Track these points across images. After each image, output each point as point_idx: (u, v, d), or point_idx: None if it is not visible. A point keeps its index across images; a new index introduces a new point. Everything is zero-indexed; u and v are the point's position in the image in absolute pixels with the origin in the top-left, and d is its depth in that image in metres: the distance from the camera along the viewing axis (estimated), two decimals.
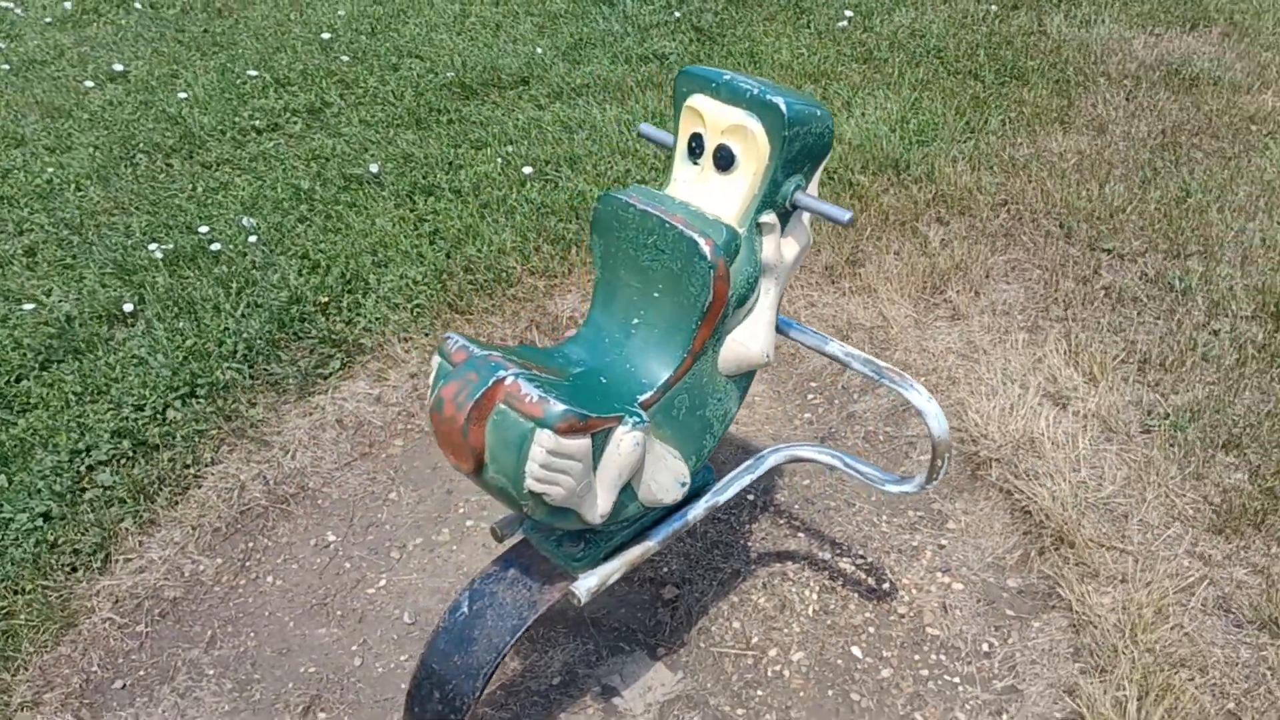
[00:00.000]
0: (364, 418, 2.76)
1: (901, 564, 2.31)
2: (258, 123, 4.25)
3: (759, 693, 2.07)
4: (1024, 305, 3.02)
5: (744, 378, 1.76)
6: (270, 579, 2.33)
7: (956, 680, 2.06)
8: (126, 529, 2.39)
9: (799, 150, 1.57)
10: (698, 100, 1.62)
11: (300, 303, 3.07)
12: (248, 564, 2.36)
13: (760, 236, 1.62)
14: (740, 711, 2.03)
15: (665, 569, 2.31)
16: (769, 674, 2.10)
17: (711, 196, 1.62)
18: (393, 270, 3.21)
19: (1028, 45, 4.72)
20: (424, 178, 3.74)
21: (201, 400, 2.73)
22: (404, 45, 4.98)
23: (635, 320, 1.66)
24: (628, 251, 1.64)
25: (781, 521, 2.42)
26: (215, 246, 3.34)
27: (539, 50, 4.85)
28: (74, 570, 2.30)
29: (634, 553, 1.73)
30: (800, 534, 2.39)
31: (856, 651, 2.13)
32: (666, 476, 1.63)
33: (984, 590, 2.24)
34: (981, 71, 4.45)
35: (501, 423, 1.43)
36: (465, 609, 1.70)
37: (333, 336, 2.97)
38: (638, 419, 1.50)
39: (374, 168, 3.79)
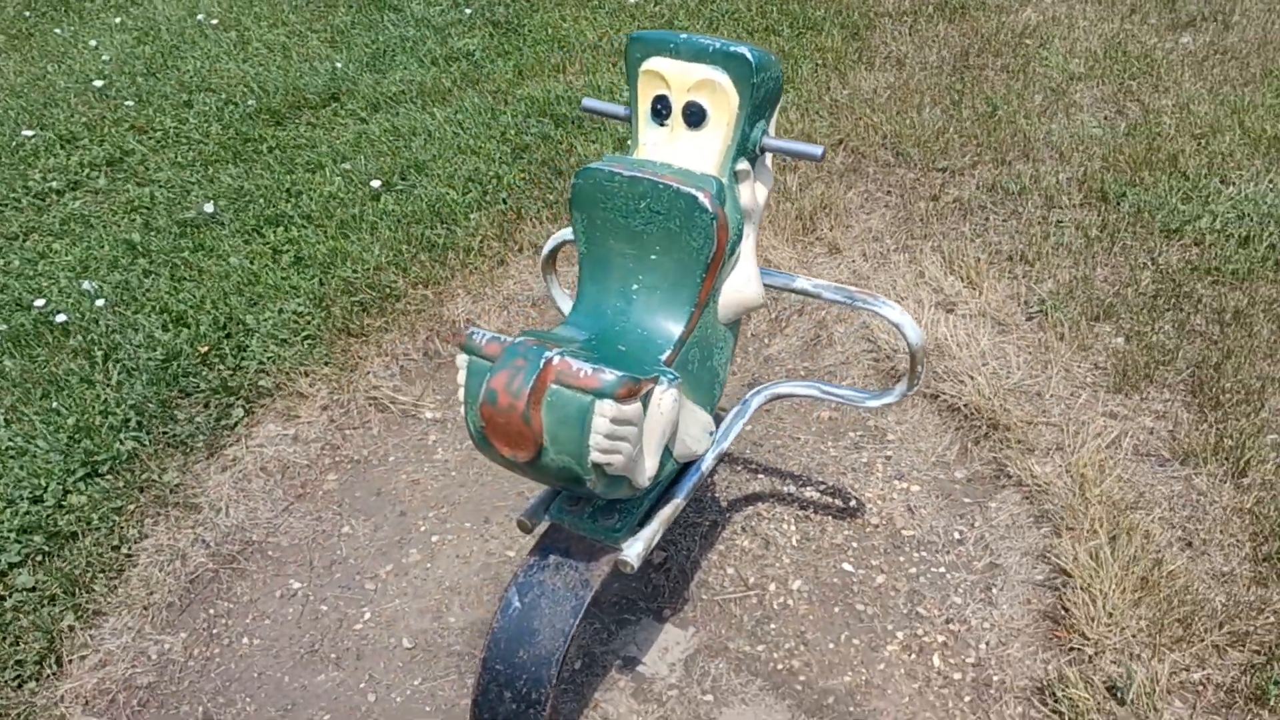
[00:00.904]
0: (287, 460, 2.63)
1: (859, 481, 2.45)
2: (55, 184, 3.90)
3: (771, 626, 2.15)
4: (891, 230, 3.25)
5: (735, 324, 1.82)
6: (246, 640, 2.20)
7: (942, 569, 2.23)
8: (70, 626, 2.18)
9: (763, 96, 1.65)
10: (657, 63, 1.66)
11: (179, 357, 2.87)
12: (216, 631, 2.22)
13: (737, 184, 1.69)
14: (760, 648, 2.11)
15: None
16: (775, 607, 2.19)
17: (688, 153, 1.67)
18: (269, 307, 3.06)
19: None
20: (266, 208, 3.57)
21: (106, 477, 2.52)
22: (190, 80, 4.69)
23: (634, 286, 1.69)
24: (616, 220, 1.66)
25: (739, 468, 2.51)
26: (61, 318, 3.06)
27: (338, 65, 4.70)
28: (23, 682, 2.09)
29: (666, 511, 1.77)
30: (760, 475, 2.49)
31: (847, 567, 2.25)
32: (696, 428, 1.67)
33: (938, 486, 2.42)
34: (777, 26, 4.69)
35: (557, 402, 1.43)
36: (517, 603, 1.68)
37: (226, 385, 2.80)
38: (671, 376, 1.54)
39: (208, 207, 3.57)
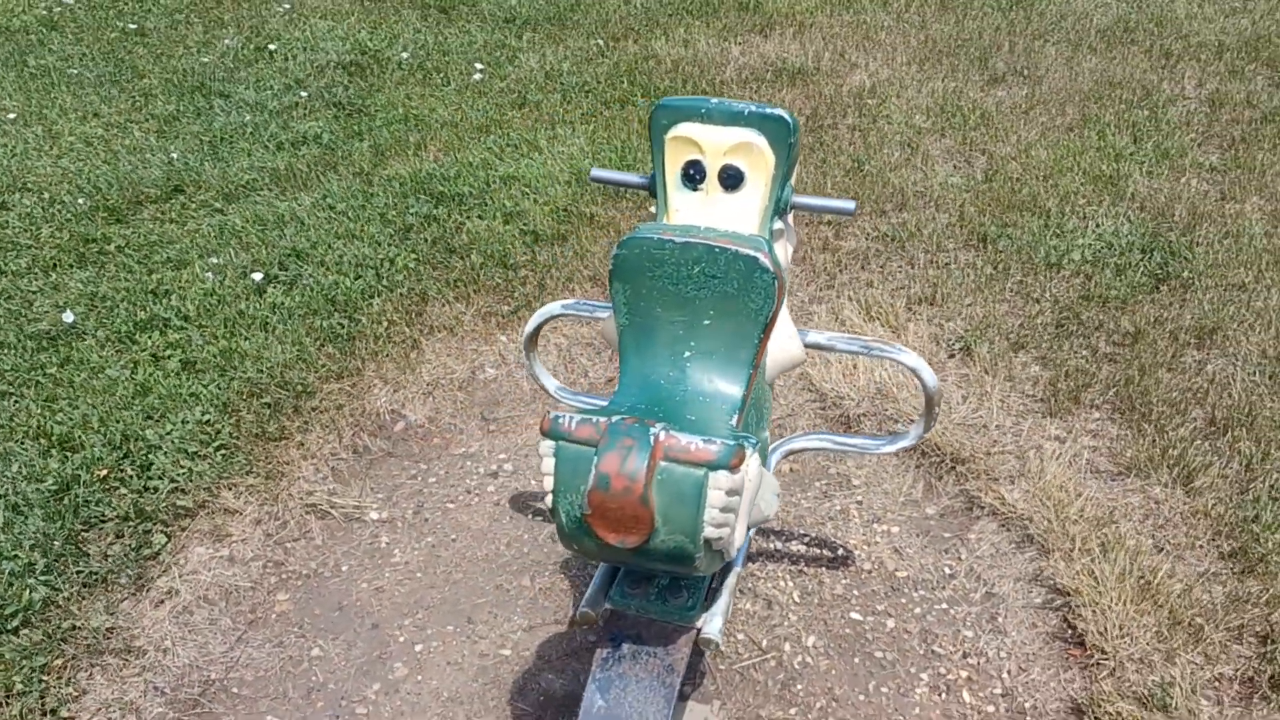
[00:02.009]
0: (228, 584, 2.37)
1: (840, 528, 2.48)
2: None
3: (798, 687, 2.12)
4: (801, 284, 3.35)
5: (770, 383, 1.81)
6: None
7: (944, 605, 2.27)
8: None
9: (796, 156, 1.67)
10: (687, 129, 1.65)
11: (74, 485, 2.54)
12: None
13: (774, 242, 1.69)
14: (793, 710, 2.07)
15: None
16: (796, 666, 2.16)
17: (727, 215, 1.65)
18: (168, 418, 2.77)
19: (650, 68, 5.14)
20: (135, 313, 3.25)
21: (20, 632, 2.18)
22: None
23: (686, 353, 1.65)
24: (665, 288, 1.62)
25: None
26: None
27: (174, 155, 4.38)
28: None
29: (731, 580, 1.71)
30: None
31: (855, 615, 2.26)
32: (769, 492, 1.64)
33: (915, 525, 2.48)
34: (630, 97, 4.79)
35: (669, 480, 1.36)
36: (601, 702, 1.57)
37: (139, 509, 2.50)
38: (754, 441, 1.50)
39: (67, 316, 3.22)
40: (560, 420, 1.40)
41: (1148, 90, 4.71)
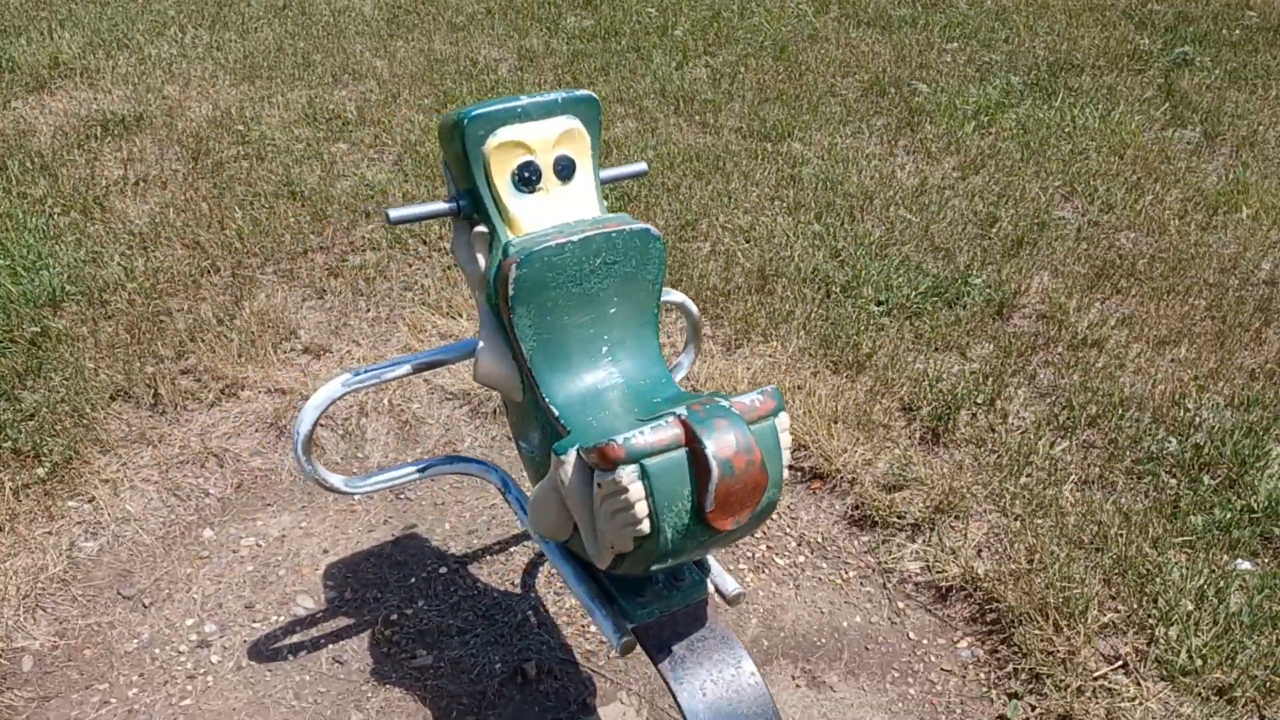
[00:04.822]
0: None
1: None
2: None
3: None
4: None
5: None
6: None
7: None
8: None
9: (598, 132, 1.68)
10: (511, 132, 1.56)
11: None
12: None
13: None
14: None
15: (499, 657, 2.14)
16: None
17: (571, 207, 1.62)
18: None
19: None
20: None
21: None
22: None
23: (604, 349, 1.60)
24: (569, 292, 1.54)
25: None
26: None
27: None
28: None
29: None
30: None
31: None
32: None
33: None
34: None
35: (760, 440, 1.38)
36: (702, 699, 1.53)
37: None
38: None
39: None
40: (630, 439, 1.32)
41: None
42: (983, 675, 2.15)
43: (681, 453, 1.34)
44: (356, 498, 2.53)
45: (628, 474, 1.32)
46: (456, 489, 2.59)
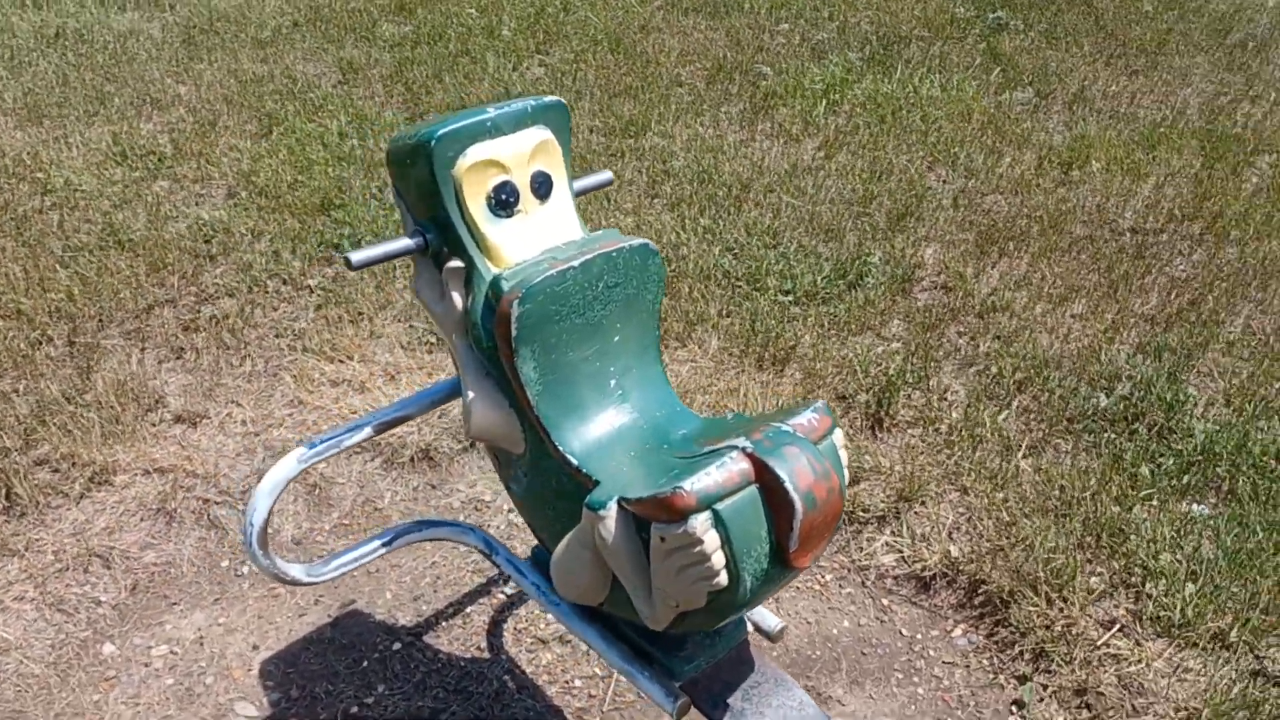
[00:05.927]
0: None
1: None
2: None
3: None
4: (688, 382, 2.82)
5: None
6: None
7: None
8: None
9: (568, 139, 1.49)
10: (483, 150, 1.34)
11: None
12: None
13: None
14: None
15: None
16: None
17: (553, 228, 1.42)
18: None
19: None
20: None
21: None
22: None
23: (611, 383, 1.41)
24: (573, 323, 1.35)
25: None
26: None
27: None
28: None
29: None
30: None
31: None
32: None
33: None
34: None
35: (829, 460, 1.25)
36: None
37: None
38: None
39: None
40: (699, 484, 1.15)
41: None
42: (986, 661, 2.10)
43: (753, 490, 1.19)
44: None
45: (700, 523, 1.15)
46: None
